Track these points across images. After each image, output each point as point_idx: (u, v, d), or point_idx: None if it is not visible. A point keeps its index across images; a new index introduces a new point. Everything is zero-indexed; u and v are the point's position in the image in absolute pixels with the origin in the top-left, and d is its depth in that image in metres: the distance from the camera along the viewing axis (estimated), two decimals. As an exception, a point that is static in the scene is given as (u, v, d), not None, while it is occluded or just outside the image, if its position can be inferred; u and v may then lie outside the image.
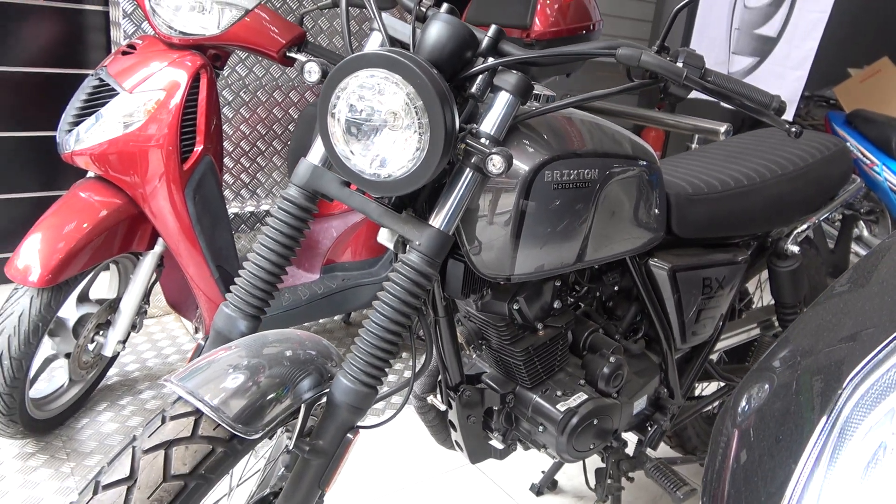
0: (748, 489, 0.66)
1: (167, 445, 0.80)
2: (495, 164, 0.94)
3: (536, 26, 2.28)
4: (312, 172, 1.06)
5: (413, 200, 1.07)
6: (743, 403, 0.76)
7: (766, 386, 0.75)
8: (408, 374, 2.22)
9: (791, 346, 0.80)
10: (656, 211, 1.33)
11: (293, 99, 2.73)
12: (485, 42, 1.02)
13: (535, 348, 1.30)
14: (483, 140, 0.98)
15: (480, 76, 1.00)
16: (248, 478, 1.17)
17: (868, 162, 3.39)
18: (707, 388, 1.85)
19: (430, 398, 1.36)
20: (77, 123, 1.75)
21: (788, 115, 3.66)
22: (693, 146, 3.20)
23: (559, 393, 1.33)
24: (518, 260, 1.11)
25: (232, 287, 1.06)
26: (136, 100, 1.71)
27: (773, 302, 1.88)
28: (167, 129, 1.72)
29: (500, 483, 1.87)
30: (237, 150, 2.66)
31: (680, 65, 0.98)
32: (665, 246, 1.42)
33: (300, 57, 1.90)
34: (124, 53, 1.80)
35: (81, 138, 1.73)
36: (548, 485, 1.85)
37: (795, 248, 1.57)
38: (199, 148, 1.78)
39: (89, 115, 1.74)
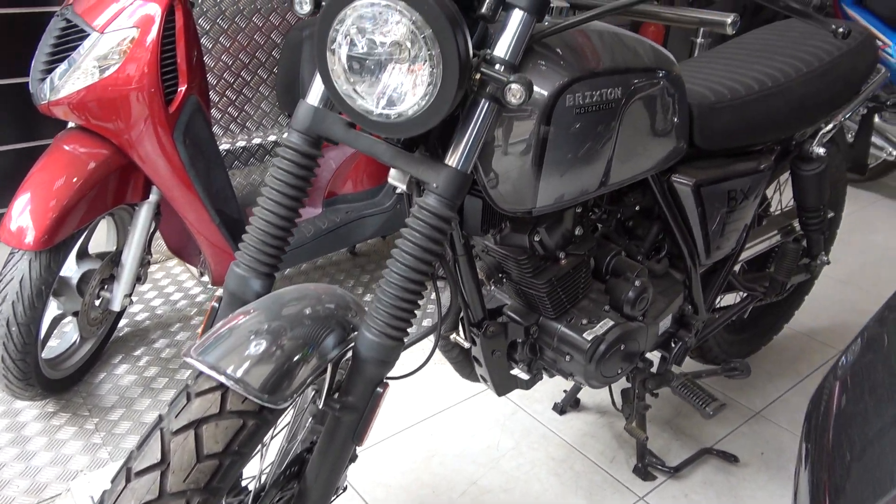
0: (849, 433, 0.65)
1: (196, 425, 0.77)
2: (514, 94, 0.85)
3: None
4: (314, 115, 0.97)
5: (425, 137, 0.99)
6: (843, 360, 0.76)
7: (859, 340, 0.74)
8: (427, 317, 2.20)
9: (883, 306, 0.78)
10: (679, 123, 1.25)
11: (274, 22, 2.57)
12: (491, -48, 0.90)
13: (557, 279, 1.26)
14: (498, 67, 0.89)
15: (490, -7, 0.89)
16: (278, 432, 1.15)
17: (879, 44, 3.24)
18: (726, 298, 1.82)
19: (453, 336, 1.33)
20: (49, 71, 1.63)
21: (795, -1, 3.47)
22: (698, 41, 3.05)
23: (584, 321, 1.30)
24: (540, 191, 1.05)
25: (241, 245, 1.00)
26: (108, 40, 1.58)
27: (789, 204, 1.82)
28: (146, 70, 1.60)
29: (522, 405, 1.88)
30: (221, 83, 2.52)
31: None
32: (686, 159, 1.34)
33: (280, -22, 1.76)
34: (89, -12, 1.65)
35: (56, 87, 1.62)
36: (570, 403, 1.86)
37: (821, 151, 1.50)
38: (182, 88, 1.67)
39: (61, 60, 1.62)
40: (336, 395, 0.98)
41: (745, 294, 1.71)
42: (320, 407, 0.96)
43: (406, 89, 0.86)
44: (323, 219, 2.19)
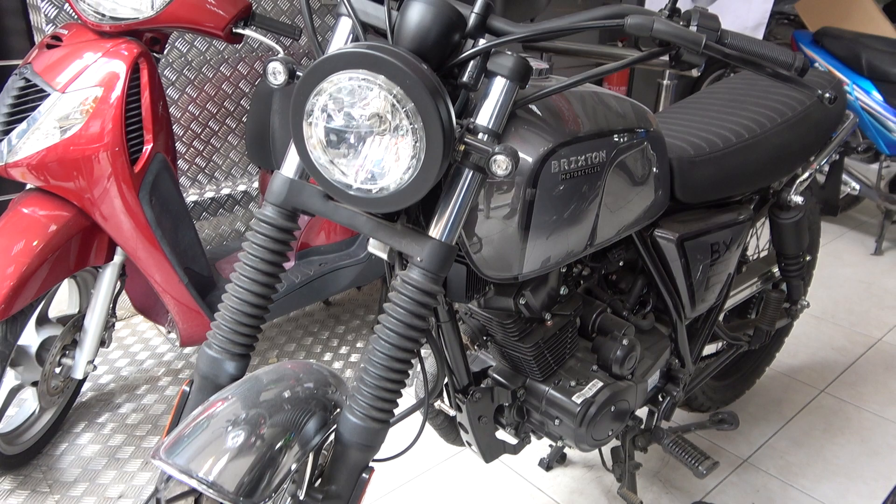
0: None
1: (167, 537, 0.71)
2: (500, 165, 0.82)
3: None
4: (290, 188, 0.93)
5: (406, 208, 0.95)
6: None
7: None
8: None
9: None
10: (661, 179, 1.23)
11: (242, 71, 2.53)
12: (472, 20, 0.88)
13: (544, 341, 1.22)
14: (481, 136, 0.86)
15: (472, 62, 0.87)
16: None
17: (838, 82, 3.33)
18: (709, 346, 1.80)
19: (437, 404, 1.28)
20: (7, 132, 1.56)
21: (758, 37, 3.57)
22: (664, 82, 3.10)
23: (573, 383, 1.25)
24: (526, 257, 1.01)
25: (213, 325, 0.94)
26: (70, 100, 1.53)
27: (766, 247, 1.82)
28: (111, 129, 1.55)
29: (507, 462, 1.82)
30: (188, 134, 2.47)
31: (694, 28, 0.87)
32: (667, 212, 1.33)
33: (249, 32, 1.73)
34: (49, 47, 1.60)
35: (14, 148, 1.55)
36: (557, 458, 1.81)
37: (799, 199, 1.50)
38: (148, 147, 1.62)
39: (20, 120, 1.56)
40: (318, 483, 0.91)
41: (730, 343, 1.68)
42: (301, 498, 0.89)
43: (388, 163, 0.82)
44: (296, 272, 2.13)
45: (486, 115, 0.87)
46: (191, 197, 2.48)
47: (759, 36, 3.43)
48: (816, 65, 3.42)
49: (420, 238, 0.88)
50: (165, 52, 2.32)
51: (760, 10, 3.37)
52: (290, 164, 0.93)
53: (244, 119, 2.58)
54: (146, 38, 1.67)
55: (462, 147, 0.84)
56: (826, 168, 1.89)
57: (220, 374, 0.93)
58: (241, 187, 2.59)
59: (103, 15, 1.55)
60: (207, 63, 2.44)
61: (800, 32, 3.60)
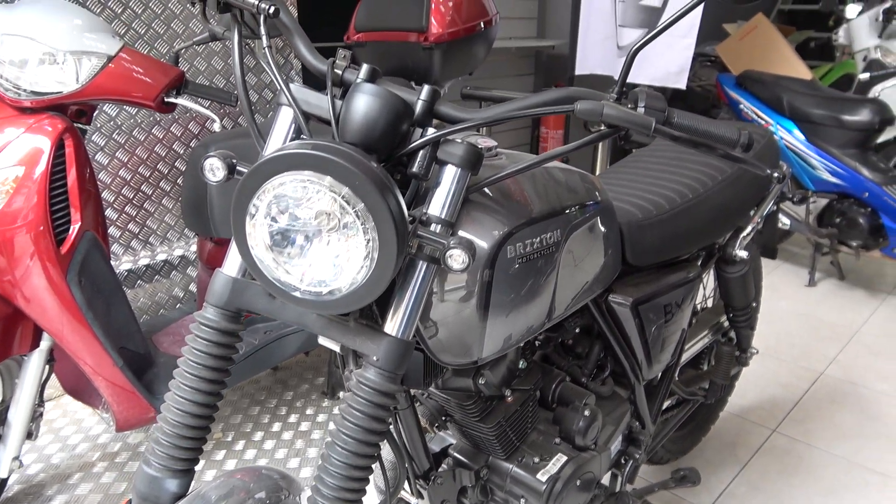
0: None
1: None
2: (456, 259, 0.79)
3: (434, 27, 2.13)
4: (232, 288, 0.87)
5: (358, 300, 0.91)
6: None
7: None
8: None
9: None
10: (613, 246, 1.23)
11: (176, 133, 2.45)
12: (419, 108, 0.86)
13: (506, 419, 1.18)
14: (434, 227, 0.83)
15: (421, 151, 0.84)
16: None
17: (762, 123, 3.49)
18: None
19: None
20: (-84, 217, 1.44)
21: (681, 84, 3.69)
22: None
23: (536, 459, 1.22)
24: (486, 340, 0.98)
25: (152, 438, 0.87)
26: (-13, 181, 1.43)
27: (712, 294, 1.85)
28: (34, 207, 1.46)
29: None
30: (119, 199, 2.36)
31: (642, 110, 0.87)
32: (619, 276, 1.32)
33: (181, 101, 1.66)
34: (-37, 124, 1.50)
35: (-75, 234, 1.43)
36: (521, 524, 1.75)
37: (744, 254, 1.53)
38: (76, 226, 1.52)
39: (-70, 204, 1.44)
40: None
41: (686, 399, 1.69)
42: None
43: (339, 264, 0.78)
44: (241, 343, 2.03)
45: (438, 205, 0.84)
46: (124, 265, 2.36)
47: (684, 80, 3.55)
48: (741, 107, 3.57)
49: (375, 335, 0.84)
50: (94, 115, 2.22)
51: (683, 56, 3.49)
52: (232, 264, 0.88)
53: (179, 181, 2.49)
54: (72, 111, 1.59)
55: (416, 241, 0.81)
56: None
57: (162, 495, 0.85)
58: (178, 251, 2.48)
59: (23, 90, 1.47)
60: (138, 126, 2.35)
61: (724, 76, 3.76)
